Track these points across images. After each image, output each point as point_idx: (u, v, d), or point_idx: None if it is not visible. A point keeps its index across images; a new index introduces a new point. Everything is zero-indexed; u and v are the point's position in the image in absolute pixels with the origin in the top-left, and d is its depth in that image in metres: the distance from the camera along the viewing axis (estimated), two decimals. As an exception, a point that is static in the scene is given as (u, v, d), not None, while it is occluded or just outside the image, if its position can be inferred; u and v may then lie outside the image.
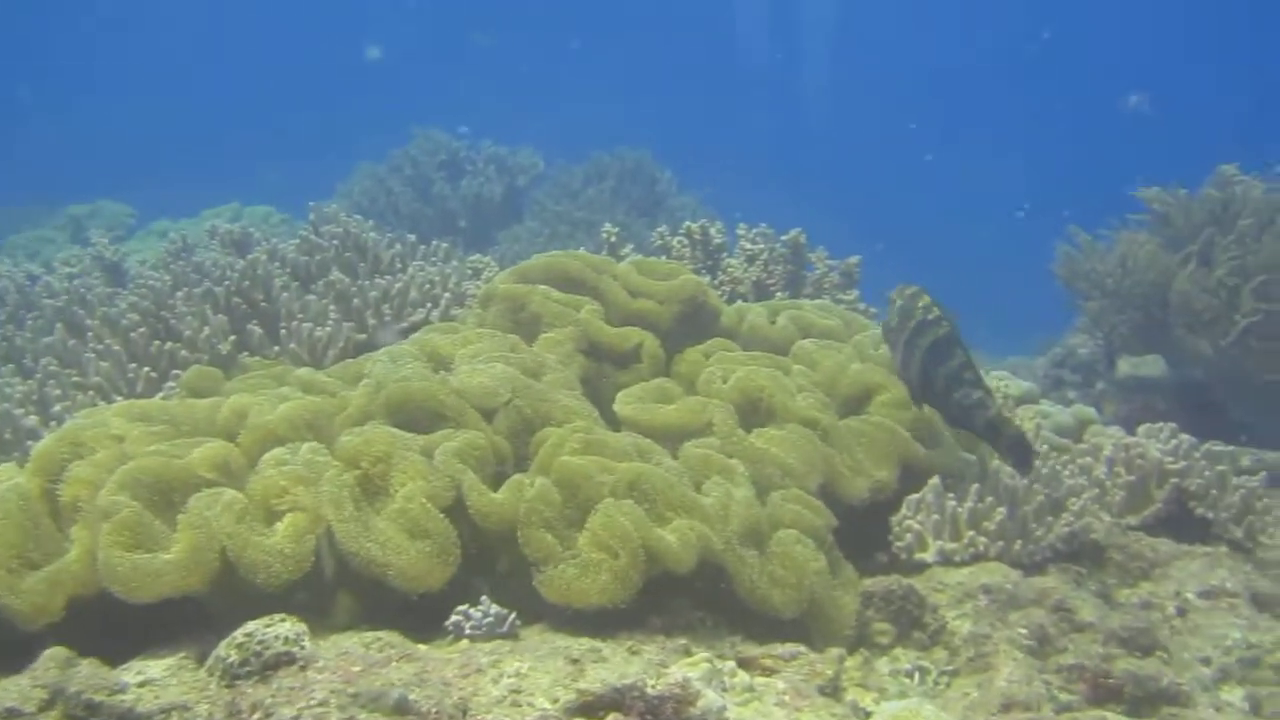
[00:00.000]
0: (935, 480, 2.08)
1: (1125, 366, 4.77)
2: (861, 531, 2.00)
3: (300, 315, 2.50)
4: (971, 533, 2.01)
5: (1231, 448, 2.28)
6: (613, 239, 3.32)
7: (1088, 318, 4.22)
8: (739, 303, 2.50)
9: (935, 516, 2.04)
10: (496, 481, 1.63)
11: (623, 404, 1.88)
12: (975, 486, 2.05)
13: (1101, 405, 4.33)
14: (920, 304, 1.92)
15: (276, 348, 2.43)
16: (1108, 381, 4.53)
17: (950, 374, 1.92)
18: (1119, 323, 4.06)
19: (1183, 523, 2.20)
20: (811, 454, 1.90)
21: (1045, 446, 2.31)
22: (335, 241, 2.79)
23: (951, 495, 2.06)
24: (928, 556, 2.03)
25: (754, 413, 1.96)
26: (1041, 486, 2.06)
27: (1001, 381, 2.77)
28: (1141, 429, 2.35)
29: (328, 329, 2.41)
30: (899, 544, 2.04)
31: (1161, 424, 2.32)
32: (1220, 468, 2.15)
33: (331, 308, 2.53)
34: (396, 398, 1.67)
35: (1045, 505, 2.03)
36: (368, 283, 2.58)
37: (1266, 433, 3.99)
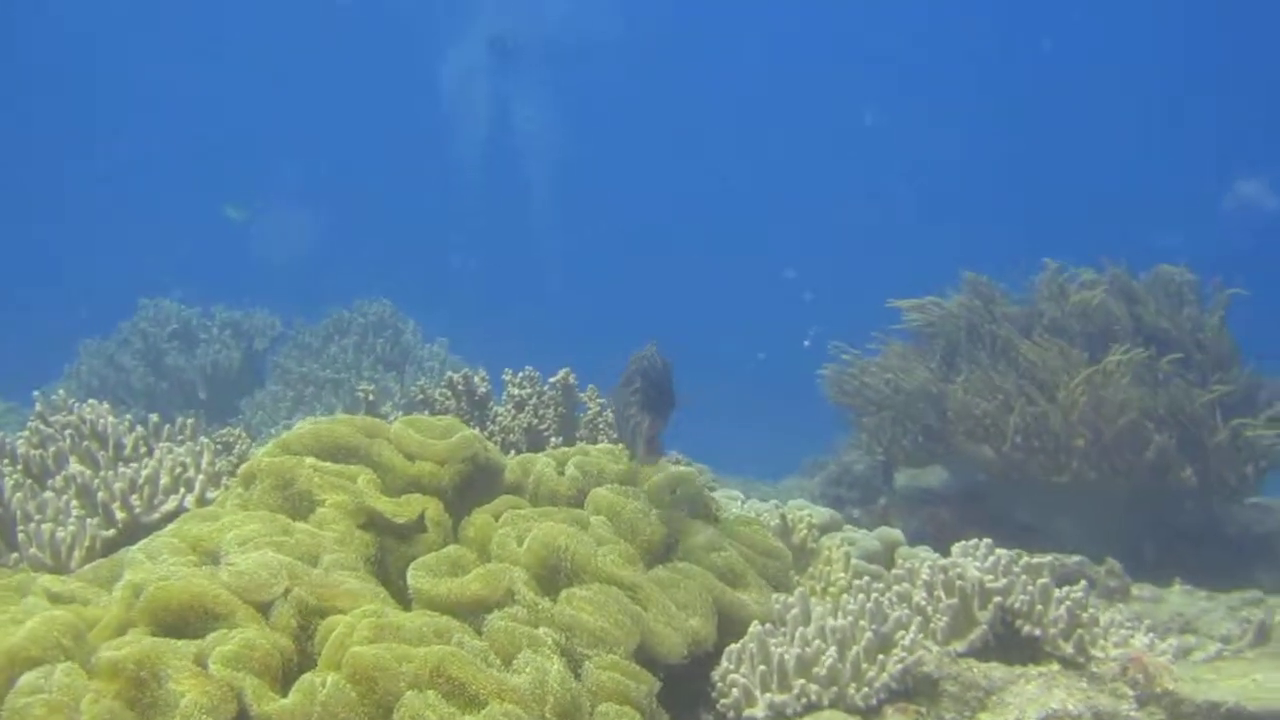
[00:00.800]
0: (756, 627, 2.23)
1: (903, 478, 5.23)
2: (684, 690, 2.10)
3: (38, 516, 2.42)
4: (801, 681, 2.16)
5: (1050, 558, 2.55)
6: (370, 397, 3.43)
7: (865, 433, 4.60)
8: (522, 454, 2.60)
9: (761, 666, 2.19)
10: (285, 682, 1.62)
11: (415, 579, 1.94)
12: (800, 630, 2.21)
13: (887, 520, 4.68)
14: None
15: (15, 554, 2.32)
16: (889, 495, 4.91)
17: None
18: (899, 435, 4.45)
19: (1010, 643, 2.43)
20: (623, 615, 2.01)
21: (865, 578, 2.51)
22: (69, 430, 2.74)
23: (775, 640, 2.20)
24: (757, 712, 2.18)
25: (557, 574, 2.07)
26: (868, 622, 2.24)
27: (804, 510, 3.01)
28: (956, 547, 2.61)
29: (70, 528, 2.35)
30: (724, 701, 2.18)
31: (977, 540, 2.60)
32: (1042, 581, 2.42)
33: (73, 504, 2.47)
34: (159, 601, 1.67)
35: (874, 642, 2.23)
36: (111, 473, 2.53)
37: (1052, 533, 4.47)
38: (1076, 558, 3.78)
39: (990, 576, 2.56)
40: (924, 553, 3.13)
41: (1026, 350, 4.29)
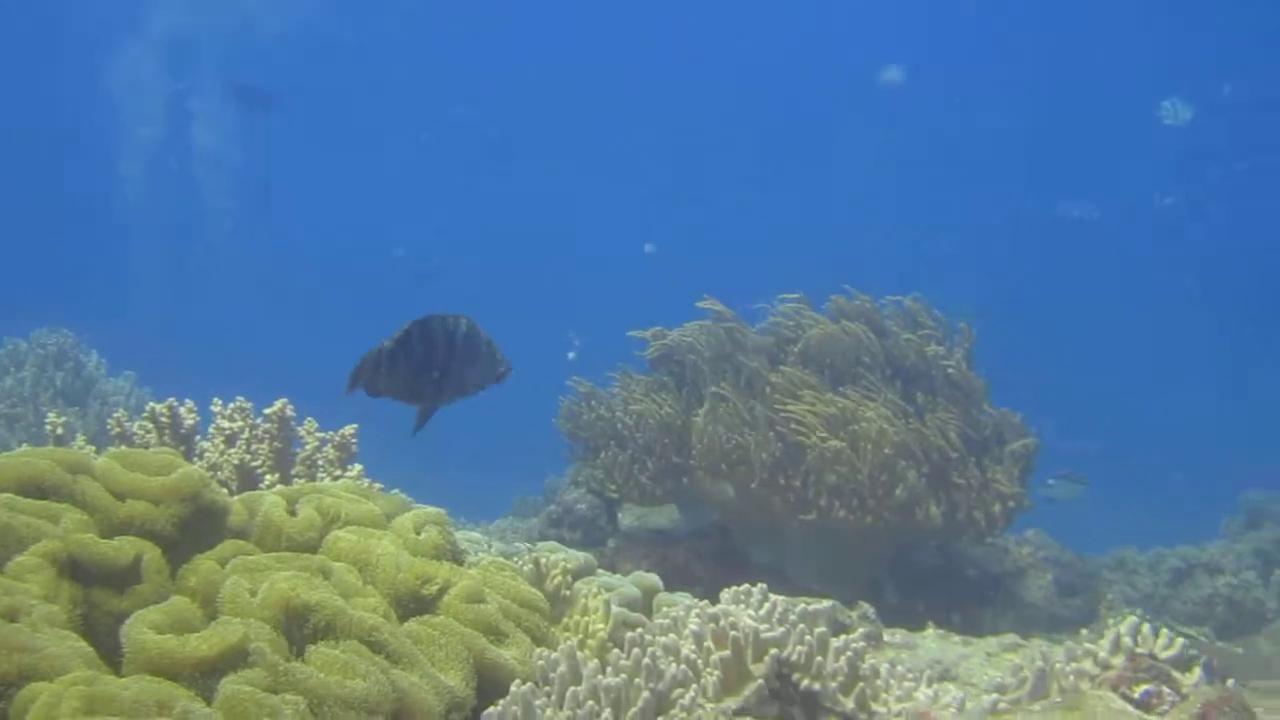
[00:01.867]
0: (518, 686, 2.19)
1: (630, 518, 5.31)
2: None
3: None
4: (573, 748, 2.13)
5: (828, 604, 2.62)
6: (59, 430, 3.25)
7: (600, 470, 4.66)
8: (247, 492, 2.47)
9: (526, 734, 2.14)
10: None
11: (132, 637, 1.79)
12: (571, 690, 2.18)
13: (616, 564, 4.75)
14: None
15: None
16: (616, 537, 4.98)
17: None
18: (636, 471, 4.51)
19: (787, 698, 2.49)
20: (378, 676, 1.95)
21: (638, 631, 2.51)
22: None
23: (540, 701, 2.17)
24: (525, 788, 2.11)
25: (300, 631, 1.95)
26: (644, 680, 2.24)
27: (557, 554, 2.98)
28: (726, 594, 2.65)
29: None
30: (487, 774, 2.12)
31: (748, 586, 2.63)
32: (820, 630, 2.48)
33: None
34: None
35: (652, 702, 2.22)
36: None
37: (792, 575, 4.64)
38: (827, 602, 3.93)
39: (765, 625, 2.61)
40: (684, 599, 3.17)
41: (776, 380, 4.44)
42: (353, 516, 2.43)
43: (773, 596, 2.71)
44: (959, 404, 4.64)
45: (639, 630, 2.67)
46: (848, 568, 4.75)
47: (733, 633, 2.57)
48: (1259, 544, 6.65)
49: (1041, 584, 5.53)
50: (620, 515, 5.52)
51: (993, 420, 4.74)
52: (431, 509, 2.65)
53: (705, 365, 4.75)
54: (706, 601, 2.76)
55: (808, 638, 2.58)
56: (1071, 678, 2.76)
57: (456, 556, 2.58)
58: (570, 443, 5.10)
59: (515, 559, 2.98)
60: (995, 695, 2.87)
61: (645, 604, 3.13)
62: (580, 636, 2.71)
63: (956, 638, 3.99)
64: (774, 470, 4.41)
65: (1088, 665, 2.75)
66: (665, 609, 3.01)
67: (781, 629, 2.59)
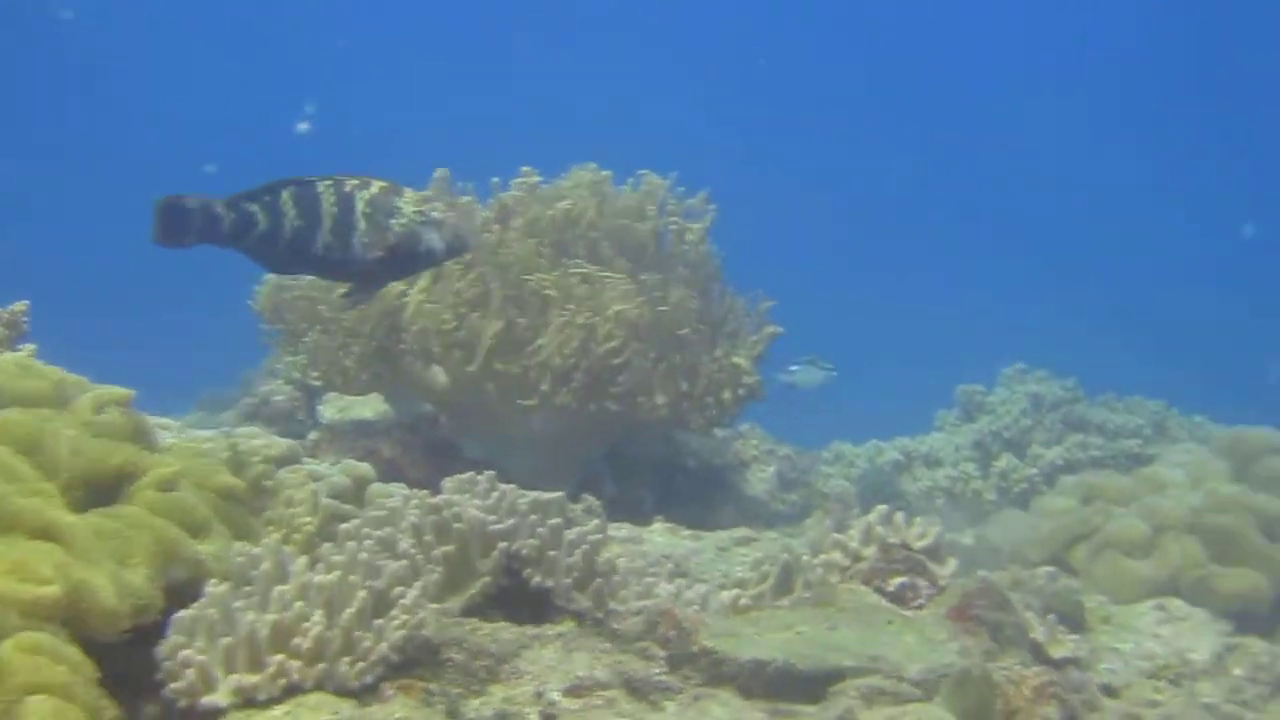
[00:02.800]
0: (216, 585, 2.04)
1: (332, 410, 5.13)
2: (128, 671, 1.88)
3: None
4: (280, 656, 1.99)
5: (559, 494, 2.53)
6: None
7: (305, 355, 4.44)
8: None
9: (224, 639, 1.98)
10: None
11: None
12: (278, 590, 2.03)
13: (317, 458, 4.57)
14: None
15: None
16: (320, 431, 4.80)
17: None
18: (341, 356, 4.32)
19: (518, 597, 2.40)
20: (48, 574, 1.72)
21: (354, 523, 2.36)
22: None
23: (242, 604, 2.02)
24: (219, 700, 1.99)
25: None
26: (361, 578, 2.11)
27: (257, 440, 2.78)
28: (450, 483, 2.55)
29: None
30: (175, 685, 1.96)
31: (474, 474, 2.51)
32: (554, 521, 2.39)
33: None
34: None
35: (370, 603, 2.08)
36: None
37: (507, 468, 4.54)
38: (549, 495, 3.85)
39: (493, 517, 2.50)
40: (401, 489, 3.02)
41: (505, 255, 4.28)
42: (19, 394, 2.18)
43: (502, 485, 2.59)
44: (695, 284, 4.59)
45: (354, 522, 2.52)
46: (567, 459, 4.68)
47: (457, 525, 2.46)
48: (977, 435, 6.92)
49: (763, 477, 5.62)
50: (322, 408, 5.31)
51: (729, 303, 4.72)
52: (116, 389, 2.43)
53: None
54: (427, 492, 2.62)
55: (540, 530, 2.49)
56: (819, 570, 2.75)
57: (145, 441, 2.37)
58: (269, 328, 4.83)
59: (210, 444, 2.77)
60: (736, 590, 2.85)
61: (356, 495, 2.97)
62: (286, 531, 2.54)
63: (685, 532, 3.98)
64: (494, 352, 4.27)
65: (837, 557, 2.75)
66: (380, 500, 2.86)
67: (511, 520, 2.49)
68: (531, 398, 4.29)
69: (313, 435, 4.89)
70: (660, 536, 3.93)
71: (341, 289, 3.04)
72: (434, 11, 27.81)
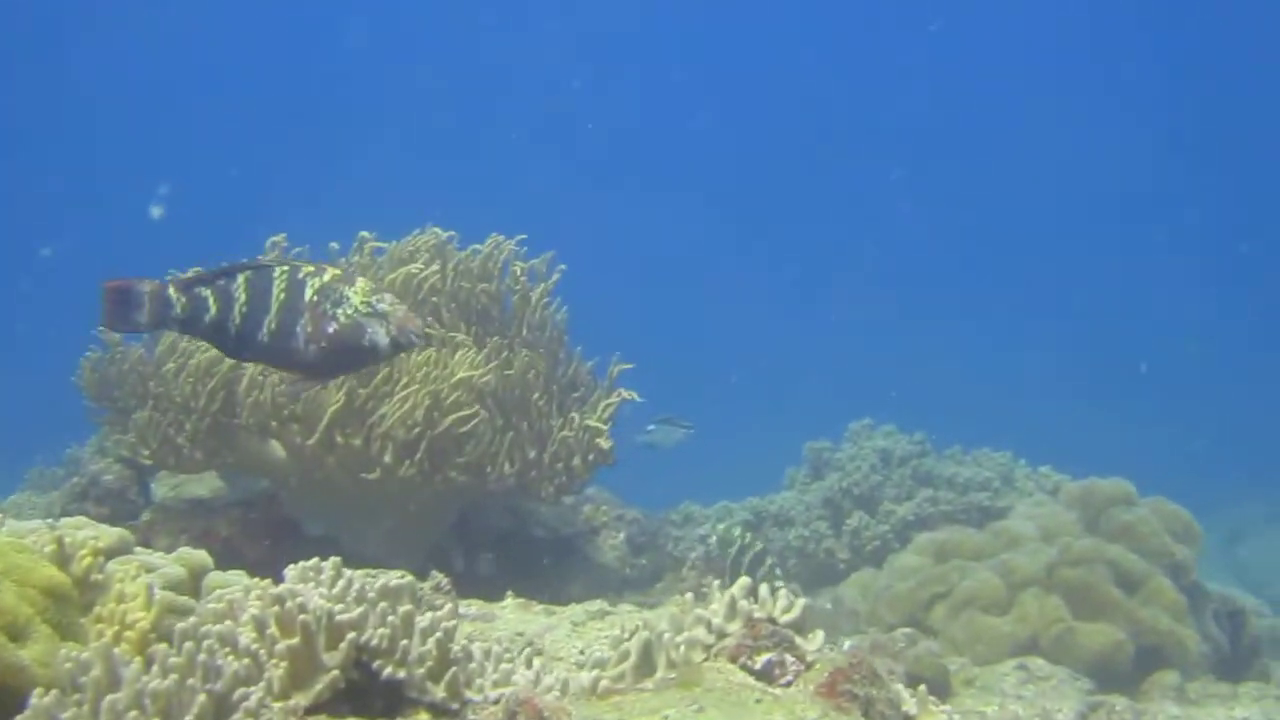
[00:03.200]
0: (41, 696, 1.97)
1: (165, 489, 4.98)
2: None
3: None
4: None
5: (407, 579, 2.46)
6: None
7: (133, 433, 4.28)
8: None
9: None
10: None
11: None
12: (109, 699, 1.94)
13: (151, 540, 4.42)
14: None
15: None
16: (152, 510, 4.65)
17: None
18: (174, 433, 4.18)
19: (370, 690, 2.32)
20: None
21: (192, 620, 2.26)
22: None
23: (73, 715, 1.92)
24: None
25: None
26: (200, 680, 2.01)
27: (84, 531, 2.66)
28: (292, 571, 2.44)
29: None
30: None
31: (319, 560, 2.42)
32: (405, 609, 2.31)
33: None
34: None
35: (209, 708, 1.99)
36: None
37: (354, 545, 4.44)
38: (397, 574, 3.74)
39: (340, 606, 2.41)
40: (240, 579, 2.90)
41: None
42: None
43: (349, 572, 2.50)
44: (541, 347, 4.54)
45: (191, 619, 2.40)
46: (412, 534, 4.59)
47: (302, 616, 2.35)
48: (827, 493, 6.97)
49: (614, 544, 5.57)
50: (154, 486, 5.14)
51: (576, 366, 4.68)
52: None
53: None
54: (270, 581, 2.52)
55: (391, 618, 2.40)
56: (682, 649, 2.70)
57: (-45, 538, 2.24)
58: (96, 405, 4.65)
59: (32, 537, 2.63)
60: (596, 672, 2.79)
61: (193, 586, 2.83)
62: (117, 629, 2.41)
63: (538, 607, 3.90)
64: (335, 424, 4.17)
65: (700, 634, 2.70)
66: (218, 591, 2.74)
67: (360, 609, 2.40)
68: (374, 470, 4.20)
69: (145, 516, 4.73)
70: (512, 613, 3.84)
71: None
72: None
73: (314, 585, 2.47)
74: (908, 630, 4.58)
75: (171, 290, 2.78)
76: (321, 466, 4.32)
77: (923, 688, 2.96)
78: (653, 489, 7.06)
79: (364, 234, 4.65)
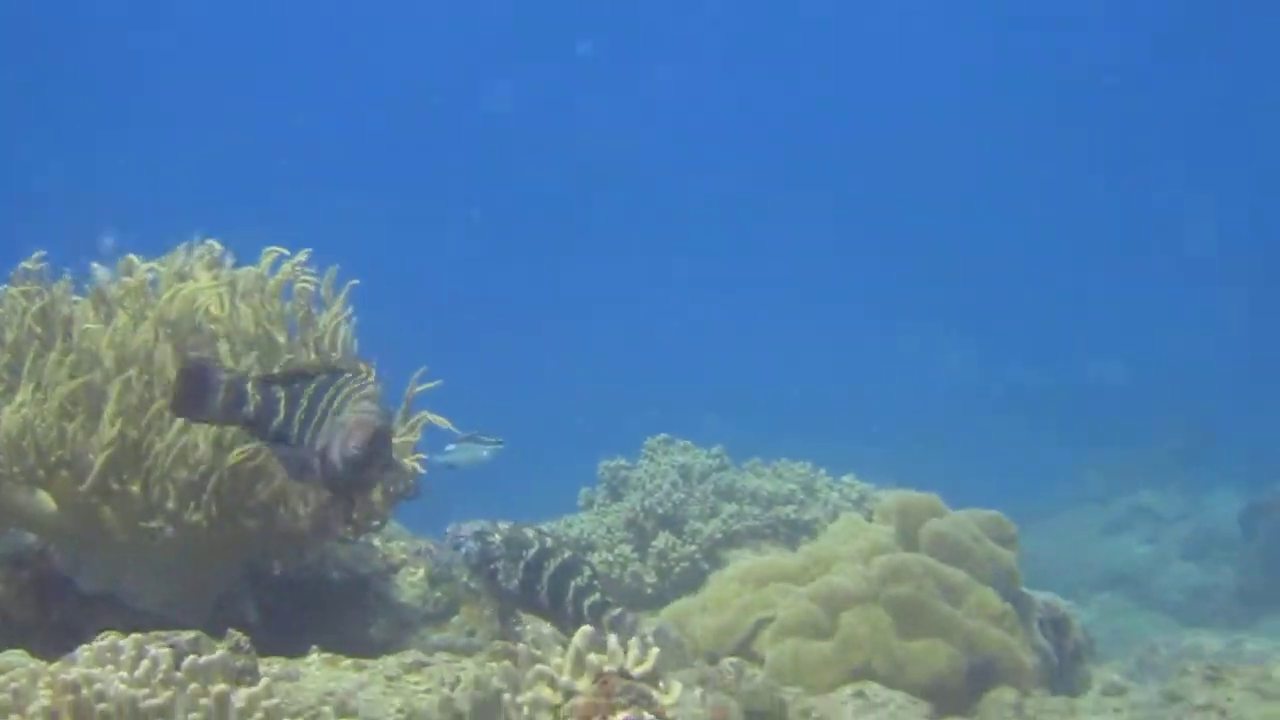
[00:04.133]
0: None
1: None
2: None
3: None
4: None
5: (189, 636, 2.22)
6: None
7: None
8: None
9: None
10: None
11: None
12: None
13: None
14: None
15: None
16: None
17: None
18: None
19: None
20: None
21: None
22: None
23: None
24: None
25: None
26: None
27: None
28: (87, 652, 2.18)
29: None
30: None
31: (115, 638, 2.17)
32: (218, 689, 2.08)
33: None
34: None
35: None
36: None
37: (134, 602, 4.12)
38: (190, 634, 3.46)
39: (145, 691, 2.15)
40: (21, 660, 2.59)
41: (118, 351, 3.85)
42: None
43: (152, 648, 2.25)
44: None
45: None
46: (198, 586, 4.28)
47: (100, 705, 2.10)
48: (629, 514, 6.81)
49: (414, 580, 5.33)
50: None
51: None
52: None
53: (30, 329, 4.08)
54: (60, 664, 2.24)
55: (205, 702, 2.16)
56: (525, 711, 2.51)
57: None
58: None
59: None
60: (421, 735, 2.59)
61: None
62: None
63: (346, 661, 3.66)
64: (108, 470, 3.83)
65: (546, 693, 2.52)
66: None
67: (168, 692, 2.15)
68: (157, 518, 3.88)
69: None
70: (319, 669, 3.60)
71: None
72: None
73: (112, 668, 2.21)
74: (734, 660, 4.47)
75: (249, 385, 2.74)
76: (96, 518, 3.99)
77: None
78: (446, 515, 6.83)
79: (132, 256, 4.32)
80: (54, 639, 4.16)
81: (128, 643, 2.24)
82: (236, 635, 3.54)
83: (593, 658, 2.59)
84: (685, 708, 2.50)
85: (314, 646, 3.76)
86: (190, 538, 3.99)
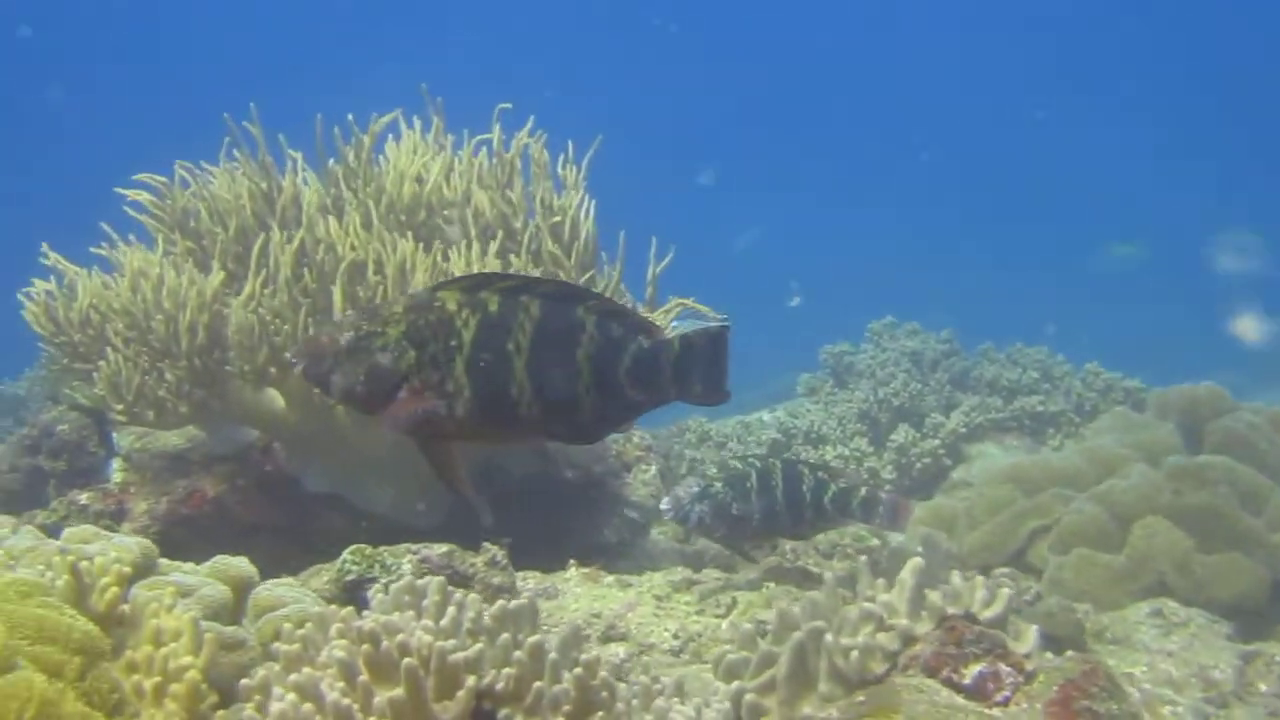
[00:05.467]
0: None
1: (130, 439, 4.49)
2: None
3: None
4: None
5: (525, 600, 2.00)
6: None
7: (102, 387, 3.75)
8: None
9: None
10: None
11: None
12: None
13: (128, 505, 3.97)
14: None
15: None
16: (124, 470, 4.16)
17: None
18: (152, 382, 3.65)
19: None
20: None
21: (258, 674, 1.79)
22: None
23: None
24: None
25: None
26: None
27: (95, 544, 2.17)
28: (382, 597, 1.96)
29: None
30: None
31: (412, 580, 1.95)
32: (532, 639, 1.85)
33: None
34: None
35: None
36: None
37: (360, 504, 3.98)
38: (442, 547, 3.29)
39: (453, 643, 1.94)
40: (291, 593, 2.40)
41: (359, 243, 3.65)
42: None
43: (456, 592, 2.03)
44: (572, 260, 4.03)
45: (259, 674, 1.93)
46: (431, 488, 4.11)
47: (406, 660, 1.88)
48: (861, 405, 6.50)
49: (646, 479, 5.11)
50: (117, 436, 4.61)
51: (610, 279, 4.14)
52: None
53: (254, 225, 3.90)
54: (350, 610, 2.03)
55: (517, 654, 1.93)
56: (855, 656, 2.25)
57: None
58: (48, 348, 4.10)
59: (30, 564, 2.13)
60: (735, 685, 2.35)
61: (236, 607, 2.34)
62: (158, 679, 1.93)
63: (608, 578, 3.46)
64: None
65: (883, 640, 2.24)
66: (268, 613, 2.27)
67: (477, 645, 1.93)
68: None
69: (118, 476, 4.24)
70: (578, 585, 3.41)
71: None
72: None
73: (413, 615, 2.00)
74: (1005, 570, 4.19)
75: None
76: (329, 417, 3.83)
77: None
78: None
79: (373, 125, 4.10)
80: (279, 539, 4.06)
81: (432, 586, 2.02)
82: (492, 549, 3.36)
83: (933, 597, 2.31)
84: (1047, 661, 2.21)
85: (571, 561, 3.58)
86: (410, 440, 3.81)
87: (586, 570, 3.49)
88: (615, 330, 2.09)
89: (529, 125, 4.18)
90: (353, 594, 3.09)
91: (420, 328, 2.03)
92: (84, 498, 4.11)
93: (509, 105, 4.23)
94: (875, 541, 4.41)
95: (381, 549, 3.20)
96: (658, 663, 2.93)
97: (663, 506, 3.70)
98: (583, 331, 2.07)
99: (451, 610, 1.97)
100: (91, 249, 4.14)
